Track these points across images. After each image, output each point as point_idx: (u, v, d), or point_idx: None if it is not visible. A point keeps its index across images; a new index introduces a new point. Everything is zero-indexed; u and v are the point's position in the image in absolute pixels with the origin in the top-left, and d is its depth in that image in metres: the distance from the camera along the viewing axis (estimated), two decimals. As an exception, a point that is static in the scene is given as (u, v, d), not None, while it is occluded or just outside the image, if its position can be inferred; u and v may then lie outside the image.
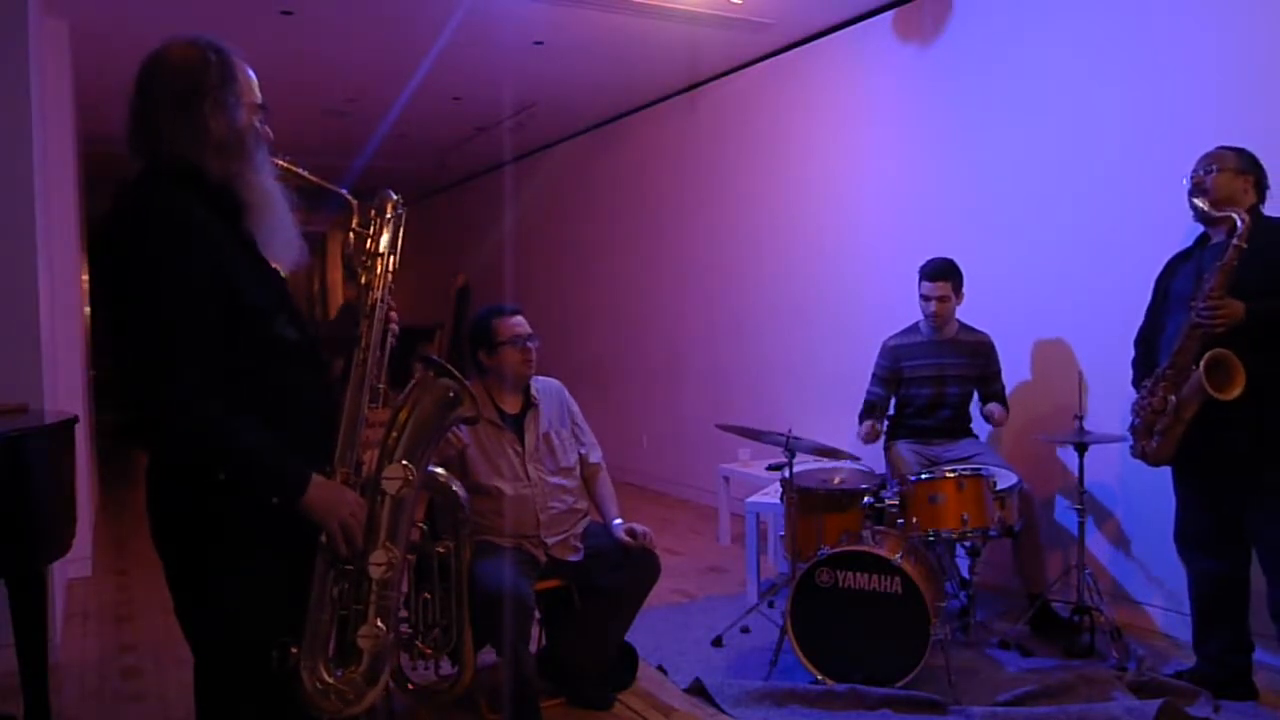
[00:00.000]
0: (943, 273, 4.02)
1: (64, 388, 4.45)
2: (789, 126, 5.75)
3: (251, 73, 1.85)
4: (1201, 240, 3.20)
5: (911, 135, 4.92)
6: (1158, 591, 3.86)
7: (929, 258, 4.11)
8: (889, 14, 4.99)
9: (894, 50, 4.98)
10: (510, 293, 8.87)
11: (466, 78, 6.34)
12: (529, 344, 3.19)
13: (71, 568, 4.77)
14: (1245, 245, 2.87)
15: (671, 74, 6.33)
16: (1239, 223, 2.89)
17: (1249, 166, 3.09)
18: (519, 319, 3.22)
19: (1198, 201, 3.08)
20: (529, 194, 9.04)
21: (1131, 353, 3.41)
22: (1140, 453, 3.17)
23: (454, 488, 2.23)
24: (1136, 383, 3.30)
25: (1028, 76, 4.31)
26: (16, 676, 2.88)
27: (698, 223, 6.64)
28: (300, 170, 1.90)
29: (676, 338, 6.94)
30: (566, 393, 3.39)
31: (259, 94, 1.85)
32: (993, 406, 4.09)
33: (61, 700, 3.33)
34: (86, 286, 6.14)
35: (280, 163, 1.87)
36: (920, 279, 4.07)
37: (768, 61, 5.88)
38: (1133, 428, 3.20)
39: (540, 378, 3.32)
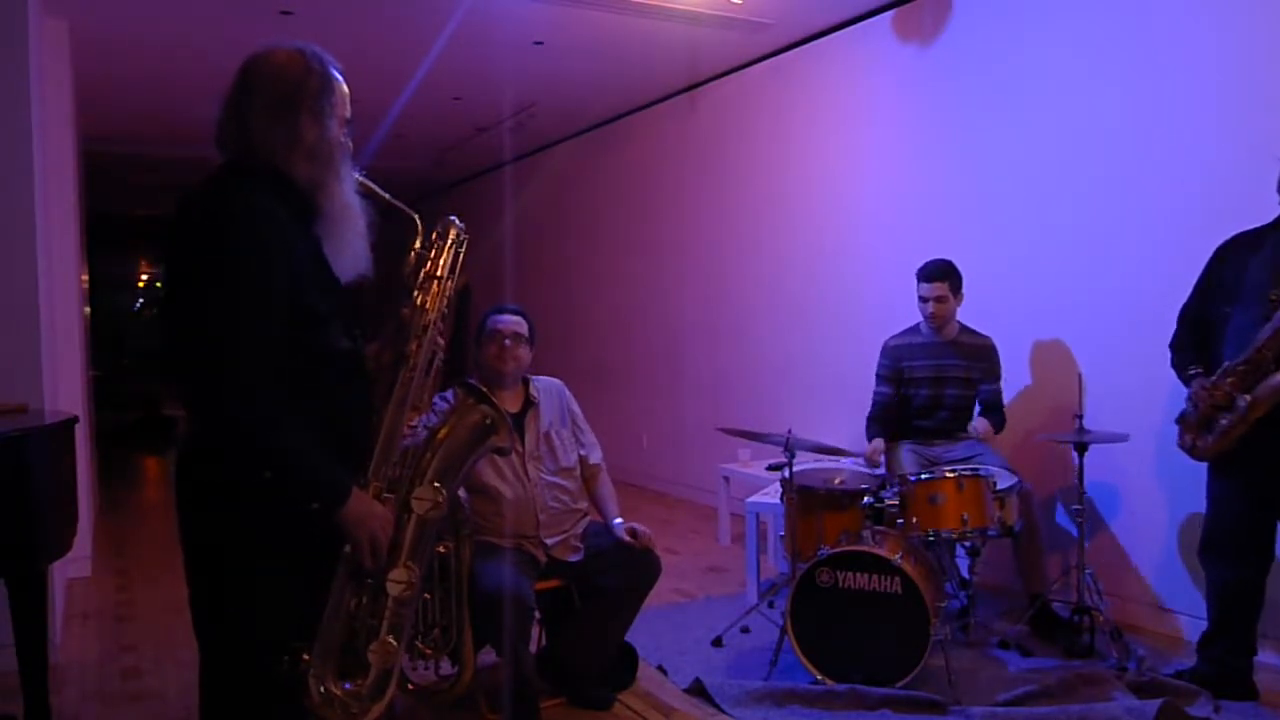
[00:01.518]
0: (939, 274, 4.02)
1: (64, 388, 4.45)
2: (789, 127, 5.75)
3: (345, 87, 1.90)
4: (1276, 223, 3.02)
5: (911, 135, 4.92)
6: (1158, 591, 3.86)
7: (928, 258, 4.10)
8: (889, 14, 4.99)
9: (894, 50, 4.98)
10: (510, 293, 8.86)
11: (466, 78, 6.34)
12: (505, 341, 3.19)
13: (71, 568, 4.77)
14: None
15: (671, 74, 6.33)
16: None
17: None
18: (509, 317, 3.23)
19: None
20: (529, 194, 9.04)
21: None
22: (1189, 446, 3.05)
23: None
24: (1179, 366, 3.17)
25: (1028, 76, 4.31)
26: (16, 676, 2.88)
27: (698, 222, 6.64)
28: (376, 188, 1.95)
29: (677, 338, 6.94)
30: (567, 392, 3.39)
31: (349, 108, 1.90)
32: (978, 422, 4.03)
33: (61, 700, 3.33)
34: (86, 286, 6.14)
35: (360, 178, 1.92)
36: (918, 281, 4.07)
37: (768, 61, 5.88)
38: (1184, 417, 3.06)
39: (541, 377, 3.32)
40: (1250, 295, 2.96)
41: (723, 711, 3.15)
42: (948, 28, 4.70)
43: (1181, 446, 3.10)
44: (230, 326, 1.64)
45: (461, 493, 2.25)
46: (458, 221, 2.02)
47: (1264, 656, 3.28)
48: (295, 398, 1.71)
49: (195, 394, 1.69)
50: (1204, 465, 3.16)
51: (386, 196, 1.97)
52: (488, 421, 1.97)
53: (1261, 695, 3.13)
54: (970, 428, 4.07)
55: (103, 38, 5.10)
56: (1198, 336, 3.16)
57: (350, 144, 1.91)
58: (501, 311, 3.27)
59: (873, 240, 5.17)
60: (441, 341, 1.96)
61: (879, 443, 4.10)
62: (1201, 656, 3.22)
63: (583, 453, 3.34)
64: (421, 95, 6.55)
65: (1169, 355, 3.29)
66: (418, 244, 1.99)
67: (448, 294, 1.97)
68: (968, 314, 4.18)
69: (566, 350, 8.07)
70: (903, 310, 4.30)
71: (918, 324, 4.17)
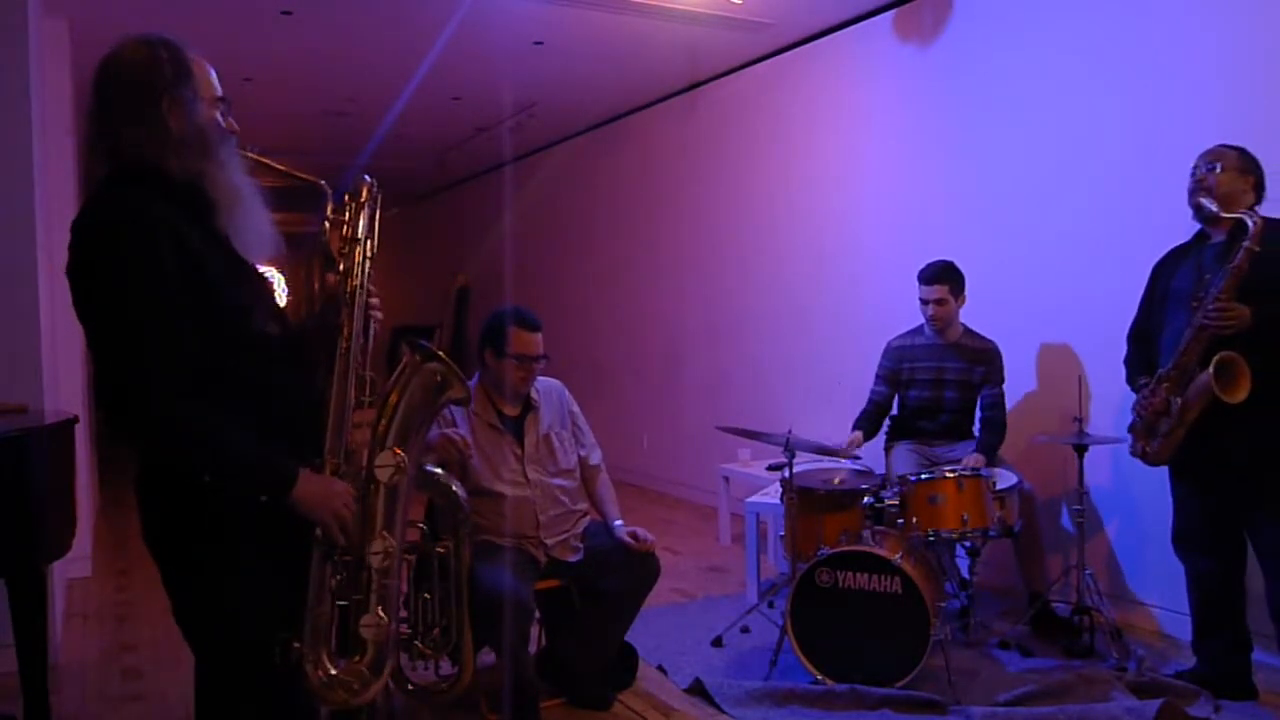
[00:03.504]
0: (939, 275, 4.01)
1: (64, 388, 4.44)
2: (789, 127, 5.75)
3: (209, 67, 1.80)
4: (1200, 237, 3.17)
5: (911, 135, 4.92)
6: (1158, 591, 3.86)
7: (929, 258, 4.10)
8: (889, 14, 4.99)
9: (894, 50, 4.97)
10: (510, 293, 8.87)
11: (466, 78, 6.34)
12: (535, 365, 3.15)
13: (71, 568, 4.77)
14: (1258, 249, 2.82)
15: (671, 74, 6.33)
16: (1250, 224, 2.84)
17: (1251, 166, 3.06)
18: (536, 337, 3.14)
19: (1204, 201, 3.03)
20: (529, 194, 9.04)
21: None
22: (1140, 452, 3.16)
23: (454, 488, 2.23)
24: (1131, 379, 3.29)
25: (1028, 77, 4.31)
26: (16, 676, 2.88)
27: (698, 223, 6.64)
28: (269, 160, 1.87)
29: (677, 338, 6.94)
30: (567, 393, 3.38)
31: (219, 87, 1.80)
32: (970, 458, 3.79)
33: (61, 700, 3.33)
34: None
35: (249, 155, 1.84)
36: (919, 283, 4.06)
37: (768, 61, 5.88)
38: (1132, 426, 3.18)
39: (541, 378, 3.30)
40: (1177, 303, 3.08)
41: (723, 711, 3.15)
42: (948, 28, 4.70)
43: (1134, 454, 3.20)
44: (135, 341, 1.60)
45: (461, 493, 2.23)
46: (368, 178, 1.95)
47: (1263, 656, 3.28)
48: (230, 393, 1.68)
49: (118, 413, 1.64)
50: None
51: (283, 169, 1.88)
52: (439, 378, 1.91)
53: (1261, 694, 3.13)
54: (963, 462, 3.83)
55: (103, 38, 5.04)
56: (1143, 349, 3.27)
57: (231, 123, 1.81)
58: (531, 328, 3.14)
59: (873, 240, 5.17)
60: (376, 303, 1.90)
61: (857, 435, 4.11)
62: (1199, 656, 3.23)
63: (583, 454, 3.34)
64: (421, 95, 6.54)
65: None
66: (330, 212, 1.92)
67: (370, 254, 1.91)
68: (967, 314, 4.18)
69: (566, 350, 8.06)
70: (903, 310, 4.30)
71: (921, 325, 4.17)
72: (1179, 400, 2.98)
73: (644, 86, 6.68)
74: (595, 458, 3.37)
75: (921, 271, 4.06)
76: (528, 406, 3.23)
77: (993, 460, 3.95)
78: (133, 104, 1.71)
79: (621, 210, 7.61)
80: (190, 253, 1.67)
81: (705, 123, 6.52)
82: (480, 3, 4.84)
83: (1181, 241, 3.27)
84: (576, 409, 3.39)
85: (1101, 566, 3.98)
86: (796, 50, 5.64)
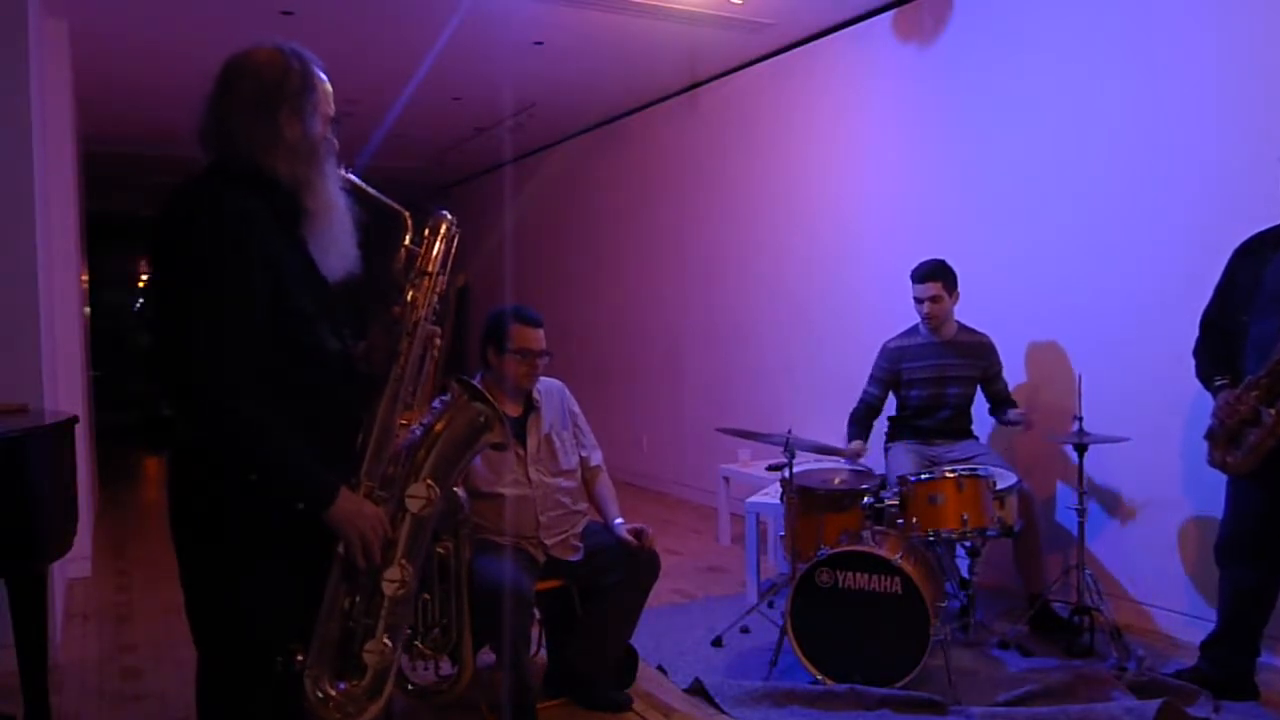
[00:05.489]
0: (931, 273, 4.03)
1: (64, 388, 4.45)
2: (789, 127, 5.75)
3: (329, 85, 1.88)
4: None
5: (911, 135, 4.92)
6: (1158, 591, 3.86)
7: (927, 258, 4.11)
8: (889, 14, 4.99)
9: (894, 50, 4.97)
10: (510, 293, 8.87)
11: (466, 78, 6.34)
12: (539, 360, 3.17)
13: (71, 568, 4.77)
14: None
15: (671, 74, 6.33)
16: None
17: None
18: (537, 332, 3.16)
19: None
20: (529, 194, 9.04)
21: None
22: (1219, 462, 2.98)
23: (454, 489, 2.22)
24: (1204, 374, 3.10)
25: (1028, 77, 4.31)
26: (16, 676, 2.88)
27: (698, 223, 6.64)
28: (364, 185, 1.93)
29: (676, 338, 6.94)
30: (568, 393, 3.38)
31: (333, 106, 1.88)
32: (1013, 414, 4.01)
33: (61, 700, 3.33)
34: (86, 286, 6.14)
35: (348, 177, 1.90)
36: (912, 282, 4.07)
37: (768, 61, 5.88)
38: (1211, 433, 3.00)
39: (542, 379, 3.30)
40: (1268, 302, 2.88)
41: (723, 711, 3.15)
42: (948, 28, 4.70)
43: (1212, 464, 3.03)
44: (213, 329, 1.64)
45: (462, 494, 2.24)
46: (448, 215, 2.00)
47: (1265, 657, 3.28)
48: (282, 398, 1.70)
49: (180, 397, 1.68)
50: (1203, 466, 3.14)
51: (374, 193, 1.95)
52: (482, 419, 1.96)
53: (1262, 695, 3.13)
54: (1007, 420, 4.04)
55: (103, 38, 5.10)
56: (1219, 343, 3.08)
57: (336, 142, 1.90)
58: (533, 323, 3.15)
59: (872, 240, 5.17)
60: (437, 336, 1.95)
61: (859, 444, 4.09)
62: (1204, 656, 3.22)
63: (583, 454, 3.34)
64: (421, 95, 6.55)
65: (1192, 363, 3.21)
66: (408, 240, 1.97)
67: (439, 289, 1.96)
68: (968, 314, 4.18)
69: (566, 351, 8.05)
70: (902, 310, 4.30)
71: (916, 325, 4.18)
72: (1272, 411, 2.78)
73: (644, 86, 6.68)
74: (596, 458, 3.36)
75: (914, 270, 4.07)
76: (529, 407, 3.23)
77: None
78: (257, 105, 1.77)
79: (621, 210, 7.60)
80: (275, 255, 1.71)
81: (705, 123, 6.52)
82: (480, 3, 4.85)
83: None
84: (577, 409, 3.39)
85: (1101, 567, 3.98)
86: (796, 50, 5.65)
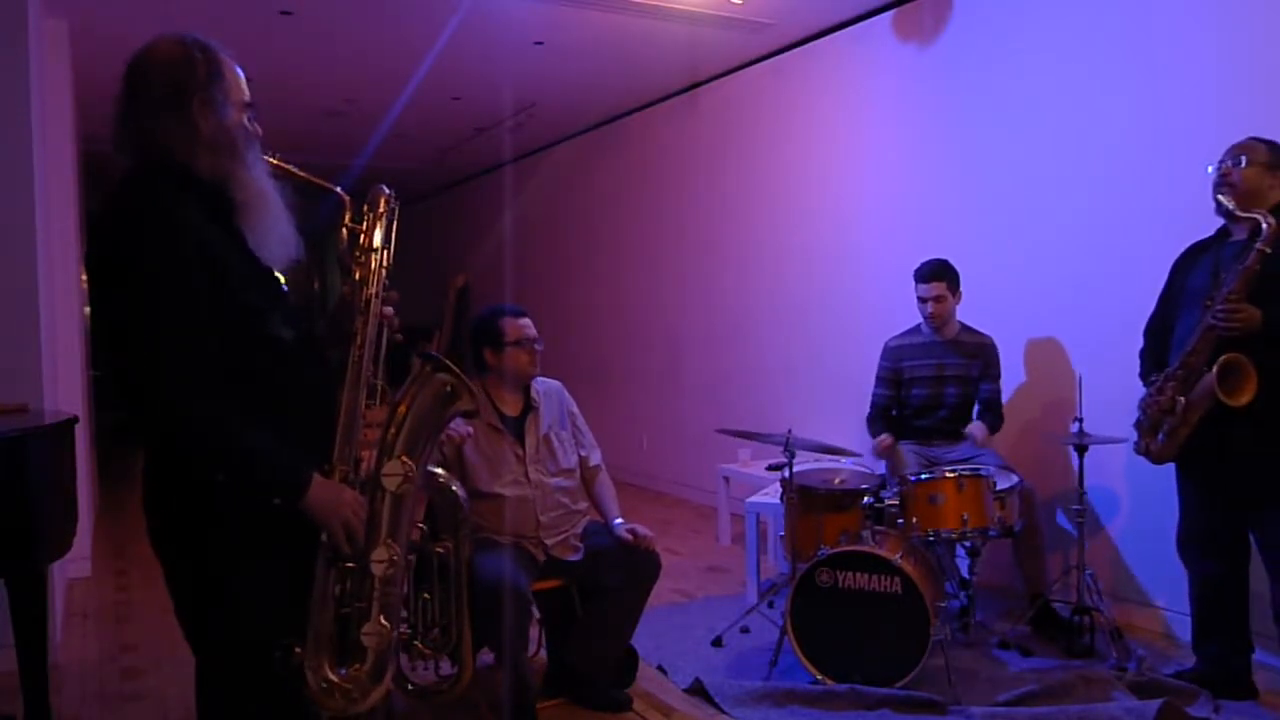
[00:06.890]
0: (936, 273, 4.04)
1: (64, 388, 4.45)
2: (789, 127, 5.75)
3: (240, 70, 1.82)
4: (1221, 234, 3.09)
5: (911, 135, 4.92)
6: (1158, 591, 3.86)
7: (927, 258, 4.11)
8: (889, 14, 4.99)
9: (894, 50, 4.97)
10: (510, 293, 8.87)
11: (466, 78, 6.34)
12: (536, 346, 3.20)
13: (71, 568, 4.77)
14: (1270, 250, 2.77)
15: (671, 74, 6.33)
16: (1264, 226, 2.78)
17: None
18: (526, 320, 3.23)
19: (1222, 198, 2.96)
20: (529, 194, 9.04)
21: (1137, 343, 3.33)
22: (1144, 450, 3.15)
23: (454, 488, 2.23)
24: (1144, 375, 3.24)
25: (1028, 77, 4.31)
26: (16, 676, 2.88)
27: (698, 223, 6.64)
28: (292, 168, 1.89)
29: (676, 338, 6.94)
30: (566, 393, 3.39)
31: (248, 91, 1.83)
32: (974, 426, 4.09)
33: (61, 700, 3.33)
34: (86, 286, 6.13)
35: (272, 160, 1.86)
36: (915, 281, 4.08)
37: (768, 61, 5.88)
38: (1138, 424, 3.16)
39: (540, 379, 3.31)
40: (1191, 301, 3.04)
41: (723, 711, 3.15)
42: (948, 28, 4.70)
43: (1138, 451, 3.18)
44: (155, 336, 1.61)
45: (461, 493, 2.23)
46: (386, 189, 1.98)
47: (1264, 657, 3.28)
48: (244, 395, 1.68)
49: (135, 406, 1.65)
50: None
51: (305, 176, 1.90)
52: (449, 388, 1.93)
53: (1261, 695, 3.13)
54: (967, 431, 4.09)
55: (103, 38, 5.10)
56: (1158, 347, 3.23)
57: (257, 129, 1.84)
58: (520, 314, 3.24)
59: (872, 240, 5.17)
60: (390, 312, 1.92)
61: (886, 437, 4.13)
62: (1200, 656, 3.23)
63: (583, 454, 3.34)
64: (421, 95, 6.55)
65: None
66: (348, 220, 1.94)
67: (386, 264, 1.93)
68: (968, 314, 4.18)
69: (566, 351, 8.06)
70: (902, 310, 4.30)
71: (918, 324, 4.18)
72: (1184, 400, 2.95)
73: (644, 86, 6.68)
74: (595, 458, 3.37)
75: (918, 270, 4.08)
76: (528, 407, 3.23)
77: (995, 432, 4.11)
78: (164, 101, 1.72)
79: (621, 210, 7.60)
80: (211, 252, 1.68)
81: (705, 123, 6.52)
82: (480, 3, 4.85)
83: (1188, 240, 3.24)
84: (576, 409, 3.39)
85: (1101, 566, 3.98)
86: (796, 50, 5.64)
